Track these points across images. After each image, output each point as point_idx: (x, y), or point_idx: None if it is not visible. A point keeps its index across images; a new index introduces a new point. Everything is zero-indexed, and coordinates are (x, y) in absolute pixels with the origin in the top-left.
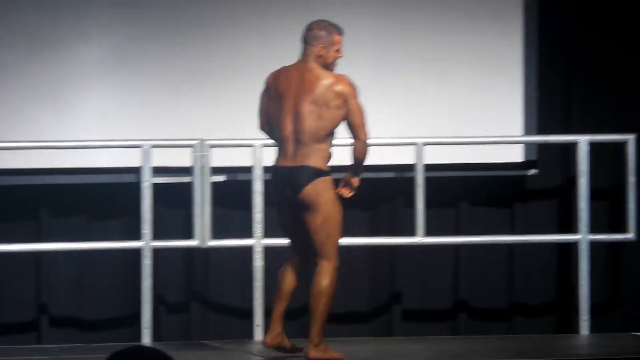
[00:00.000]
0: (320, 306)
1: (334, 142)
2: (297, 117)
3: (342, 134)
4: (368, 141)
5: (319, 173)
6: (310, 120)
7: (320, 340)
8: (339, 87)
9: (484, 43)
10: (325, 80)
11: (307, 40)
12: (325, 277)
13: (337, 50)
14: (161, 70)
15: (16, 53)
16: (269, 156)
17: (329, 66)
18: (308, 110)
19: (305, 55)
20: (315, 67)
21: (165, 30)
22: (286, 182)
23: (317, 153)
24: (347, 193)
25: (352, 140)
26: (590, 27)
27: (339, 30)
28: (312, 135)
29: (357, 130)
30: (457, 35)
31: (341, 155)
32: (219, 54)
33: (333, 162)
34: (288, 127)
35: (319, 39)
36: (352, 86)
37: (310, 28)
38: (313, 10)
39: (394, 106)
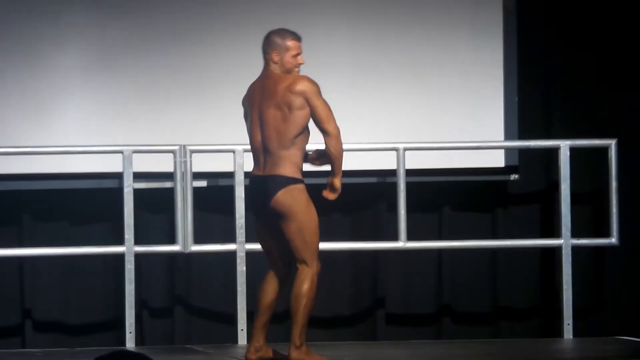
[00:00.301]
0: (300, 308)
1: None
2: (263, 125)
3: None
4: (341, 136)
5: (288, 181)
6: (275, 125)
7: (301, 342)
8: (299, 87)
9: (465, 48)
10: (284, 83)
11: (264, 48)
12: (305, 281)
13: (294, 56)
14: (142, 76)
15: None
16: (250, 162)
17: (289, 73)
18: (272, 116)
19: (265, 64)
20: (273, 74)
21: (146, 36)
22: (258, 192)
23: (285, 160)
24: (331, 196)
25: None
26: (570, 31)
27: (293, 36)
28: (279, 141)
29: (325, 125)
30: (437, 40)
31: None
32: (200, 59)
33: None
34: (257, 137)
35: (273, 45)
36: (312, 83)
37: (266, 36)
38: (292, 17)
39: (375, 112)
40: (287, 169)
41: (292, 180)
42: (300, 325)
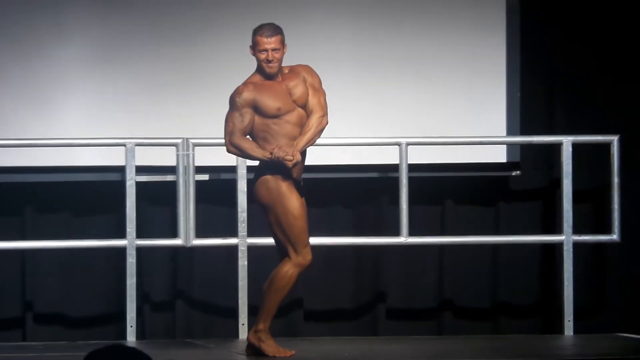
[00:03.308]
0: (267, 293)
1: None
2: None
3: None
4: (226, 143)
5: (259, 173)
6: None
7: (262, 327)
8: None
9: (468, 44)
10: None
11: None
12: (281, 269)
13: (261, 52)
14: (144, 69)
15: None
16: None
17: (260, 68)
18: None
19: None
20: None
21: (149, 28)
22: None
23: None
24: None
25: None
26: (573, 26)
27: (259, 32)
28: (252, 137)
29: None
30: (440, 35)
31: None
32: (203, 52)
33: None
34: None
35: (251, 40)
36: (232, 94)
37: None
38: (295, 12)
39: (378, 106)
40: (259, 162)
41: (262, 173)
42: (264, 310)
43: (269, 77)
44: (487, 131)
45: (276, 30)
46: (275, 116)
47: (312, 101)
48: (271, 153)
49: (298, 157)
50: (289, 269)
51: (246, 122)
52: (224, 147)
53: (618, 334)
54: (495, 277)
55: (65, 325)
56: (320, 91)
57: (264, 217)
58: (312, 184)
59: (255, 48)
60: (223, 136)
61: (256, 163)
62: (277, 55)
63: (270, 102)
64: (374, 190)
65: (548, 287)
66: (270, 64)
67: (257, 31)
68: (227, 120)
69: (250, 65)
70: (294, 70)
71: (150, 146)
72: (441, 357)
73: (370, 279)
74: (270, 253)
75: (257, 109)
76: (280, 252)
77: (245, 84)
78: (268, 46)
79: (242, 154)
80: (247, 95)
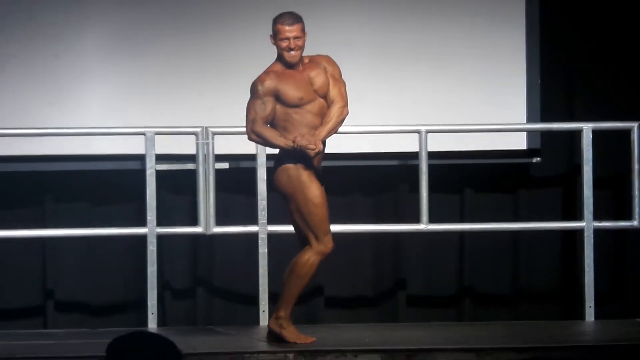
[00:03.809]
0: (288, 281)
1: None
2: None
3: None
4: (252, 139)
5: (280, 161)
6: None
7: (283, 314)
8: None
9: (487, 30)
10: None
11: None
12: (302, 256)
13: (282, 40)
14: (164, 57)
15: (17, 40)
16: None
17: (281, 57)
18: None
19: None
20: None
21: (169, 16)
22: None
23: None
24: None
25: None
26: (593, 13)
27: (280, 20)
28: (273, 127)
29: None
30: (460, 23)
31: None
32: (223, 40)
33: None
34: None
35: (272, 29)
36: (254, 82)
37: None
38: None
39: (397, 94)
40: (279, 151)
41: (282, 161)
42: (285, 298)
43: (290, 66)
44: (507, 118)
45: (297, 18)
46: (297, 105)
47: (333, 91)
48: (293, 141)
49: (320, 146)
50: (310, 257)
51: (268, 110)
52: (244, 136)
53: (639, 320)
54: (515, 263)
55: (86, 312)
56: (340, 81)
57: (284, 205)
58: (332, 172)
59: (276, 37)
60: (244, 124)
61: (276, 151)
62: (298, 43)
63: (292, 91)
64: (393, 178)
65: (568, 273)
66: (292, 53)
67: (278, 20)
68: (248, 108)
69: (270, 54)
70: (314, 60)
71: (170, 135)
72: (461, 343)
73: (391, 266)
74: (290, 241)
75: (278, 97)
76: (300, 241)
77: (266, 72)
78: (290, 34)
79: (264, 142)
80: (269, 83)
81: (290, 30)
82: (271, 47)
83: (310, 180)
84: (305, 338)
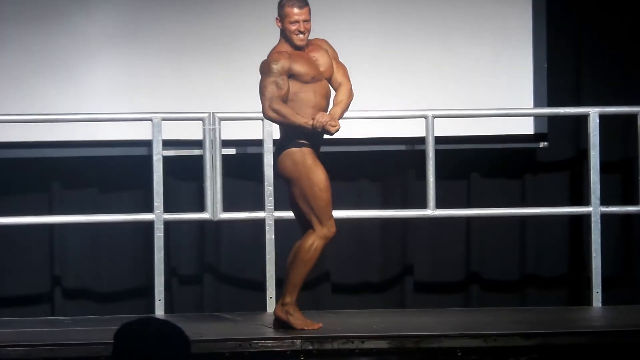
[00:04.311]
0: (293, 267)
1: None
2: None
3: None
4: (271, 118)
5: (285, 145)
6: None
7: (289, 301)
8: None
9: (494, 14)
10: None
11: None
12: (306, 241)
13: (291, 23)
14: (170, 43)
15: (24, 27)
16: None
17: (288, 39)
18: None
19: None
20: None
21: (175, 2)
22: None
23: (282, 126)
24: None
25: None
26: None
27: (288, 3)
28: None
29: None
30: (466, 6)
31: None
32: (229, 26)
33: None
34: None
35: (278, 11)
36: (267, 58)
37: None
38: None
39: (404, 79)
40: (283, 134)
41: (287, 145)
42: (289, 284)
43: (298, 48)
44: (514, 103)
45: (305, 1)
46: (309, 83)
47: (338, 74)
48: (313, 119)
49: (339, 125)
50: (314, 241)
51: (285, 88)
52: (251, 122)
53: None
54: (522, 249)
55: (94, 299)
56: (342, 64)
57: (286, 190)
58: (339, 157)
59: (284, 20)
60: (261, 102)
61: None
62: (307, 26)
63: (304, 69)
64: (400, 163)
65: (576, 258)
66: (301, 36)
67: (286, 3)
68: (264, 86)
69: (274, 40)
70: (314, 42)
71: (176, 120)
72: (469, 329)
73: (398, 252)
74: (297, 227)
75: (292, 76)
76: (301, 226)
77: (279, 52)
78: (299, 17)
79: (283, 119)
80: (284, 62)
81: (299, 14)
82: (276, 31)
83: (315, 164)
84: (312, 324)
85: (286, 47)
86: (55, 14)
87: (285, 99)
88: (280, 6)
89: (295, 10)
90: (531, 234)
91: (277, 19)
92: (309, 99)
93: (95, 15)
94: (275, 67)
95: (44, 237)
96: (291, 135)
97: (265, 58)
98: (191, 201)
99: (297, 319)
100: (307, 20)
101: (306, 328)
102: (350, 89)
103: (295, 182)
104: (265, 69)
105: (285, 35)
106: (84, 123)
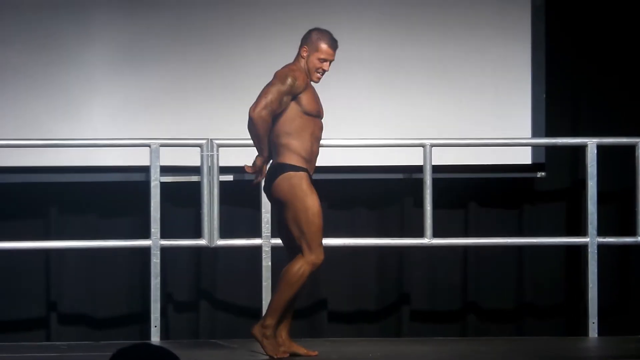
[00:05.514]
0: (278, 290)
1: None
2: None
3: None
4: (255, 119)
5: (283, 168)
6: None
7: (269, 323)
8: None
9: (493, 45)
10: None
11: (301, 40)
12: (293, 265)
13: (320, 60)
14: (169, 70)
15: (24, 53)
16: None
17: (310, 73)
18: None
19: (296, 56)
20: (289, 64)
21: (173, 29)
22: (266, 180)
23: (283, 148)
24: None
25: None
26: (598, 29)
27: (329, 41)
28: (277, 130)
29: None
30: (465, 36)
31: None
32: (227, 53)
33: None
34: None
35: (308, 41)
36: (288, 69)
37: (308, 30)
38: (320, 11)
39: (402, 107)
40: (284, 156)
41: (287, 168)
42: (272, 306)
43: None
44: (512, 133)
45: (337, 42)
46: (316, 116)
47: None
48: (255, 166)
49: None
50: (301, 266)
51: (283, 106)
52: (249, 148)
53: None
54: (519, 278)
55: (89, 325)
56: None
57: (277, 213)
58: (336, 185)
59: (313, 53)
60: (257, 99)
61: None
62: (329, 68)
63: (314, 104)
64: (398, 192)
65: (572, 288)
66: (321, 75)
67: (322, 38)
68: (270, 91)
69: (274, 66)
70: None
71: (174, 146)
72: (466, 358)
73: (394, 281)
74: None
75: (298, 101)
76: (289, 250)
77: (299, 71)
78: (330, 58)
79: (256, 132)
80: (299, 85)
81: (331, 55)
82: (275, 59)
83: (310, 189)
84: (282, 353)
85: (302, 72)
86: (56, 41)
87: (275, 114)
88: (315, 38)
89: (331, 50)
90: (528, 263)
91: (304, 47)
92: (313, 130)
93: (95, 42)
94: (291, 82)
95: (40, 261)
96: (289, 158)
97: (286, 67)
98: (188, 227)
99: (270, 344)
100: (332, 62)
101: (275, 356)
102: None
103: (290, 205)
104: (281, 77)
105: (305, 65)
106: (82, 148)
